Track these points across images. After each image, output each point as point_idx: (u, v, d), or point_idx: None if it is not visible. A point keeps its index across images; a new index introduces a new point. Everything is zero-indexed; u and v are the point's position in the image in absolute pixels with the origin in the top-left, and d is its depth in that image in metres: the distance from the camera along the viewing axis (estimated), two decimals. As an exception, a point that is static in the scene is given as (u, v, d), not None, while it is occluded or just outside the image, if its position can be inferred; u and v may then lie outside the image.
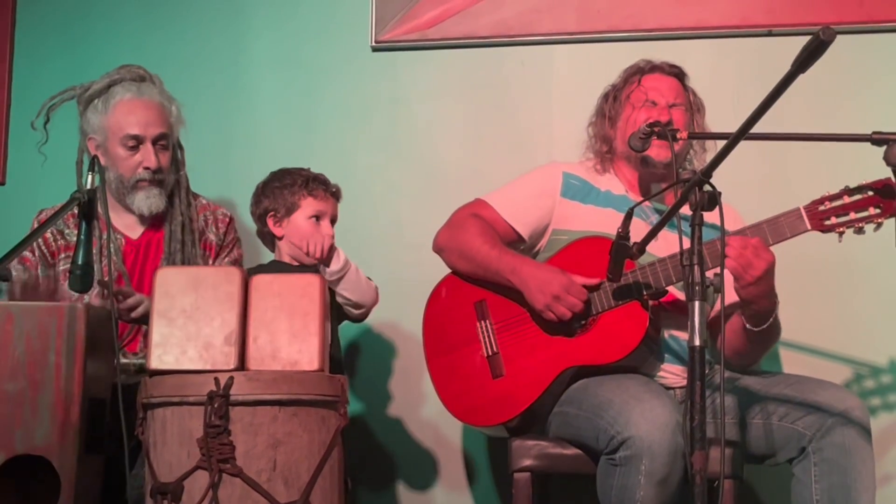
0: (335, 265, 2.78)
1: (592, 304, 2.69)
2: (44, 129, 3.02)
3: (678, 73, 2.92)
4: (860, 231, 2.48)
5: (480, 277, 2.84)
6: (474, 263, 2.84)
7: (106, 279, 2.67)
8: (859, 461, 2.47)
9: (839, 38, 1.70)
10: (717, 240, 2.35)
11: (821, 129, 3.05)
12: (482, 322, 2.83)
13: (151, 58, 3.38)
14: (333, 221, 2.94)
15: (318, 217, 2.90)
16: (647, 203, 2.82)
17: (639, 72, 2.93)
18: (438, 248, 2.95)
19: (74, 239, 2.87)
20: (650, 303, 2.64)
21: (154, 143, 2.96)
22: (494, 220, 2.91)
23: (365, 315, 2.94)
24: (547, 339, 2.74)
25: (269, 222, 2.94)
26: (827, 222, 2.49)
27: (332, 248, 2.80)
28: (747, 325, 2.59)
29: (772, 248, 2.50)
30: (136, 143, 2.95)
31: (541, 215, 2.91)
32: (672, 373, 2.75)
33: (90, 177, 2.30)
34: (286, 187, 2.92)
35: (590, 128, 3.03)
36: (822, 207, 2.50)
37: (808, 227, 2.51)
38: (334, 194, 2.96)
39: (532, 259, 2.84)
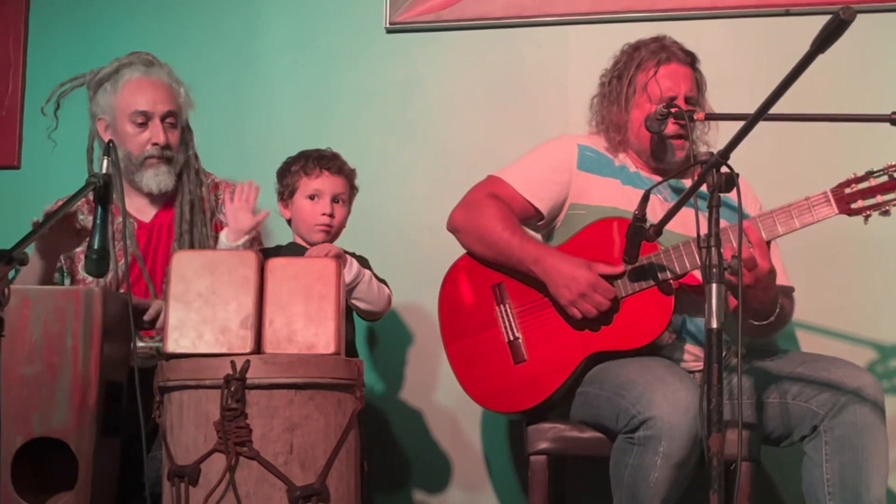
0: (347, 276, 2.72)
1: (615, 289, 2.68)
2: (54, 115, 3.04)
3: (690, 62, 2.86)
4: (886, 213, 2.45)
5: (500, 263, 2.81)
6: (494, 250, 2.80)
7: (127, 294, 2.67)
8: (871, 440, 2.45)
9: (858, 17, 1.68)
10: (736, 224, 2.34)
11: (839, 110, 3.03)
12: (501, 306, 2.81)
13: (165, 42, 3.39)
14: (336, 200, 2.90)
15: (314, 196, 2.89)
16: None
17: (653, 59, 2.84)
18: (454, 229, 2.90)
19: (87, 223, 2.88)
20: (673, 286, 2.63)
21: (162, 119, 2.97)
22: (512, 197, 2.86)
23: (376, 320, 2.93)
24: (569, 323, 2.73)
25: (280, 205, 2.95)
26: (854, 206, 2.46)
27: (341, 256, 2.73)
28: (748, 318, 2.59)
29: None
30: (145, 119, 2.96)
31: (558, 190, 2.87)
32: (691, 354, 2.75)
33: (105, 161, 2.30)
34: (288, 169, 2.94)
35: (597, 108, 2.98)
36: (848, 190, 2.46)
37: (836, 210, 2.48)
38: (337, 173, 2.91)
39: (553, 249, 2.79)
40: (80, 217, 3.00)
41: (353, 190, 2.97)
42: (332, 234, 2.89)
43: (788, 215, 2.50)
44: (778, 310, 2.59)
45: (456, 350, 2.85)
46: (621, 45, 2.97)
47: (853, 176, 2.48)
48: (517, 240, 2.75)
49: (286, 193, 2.93)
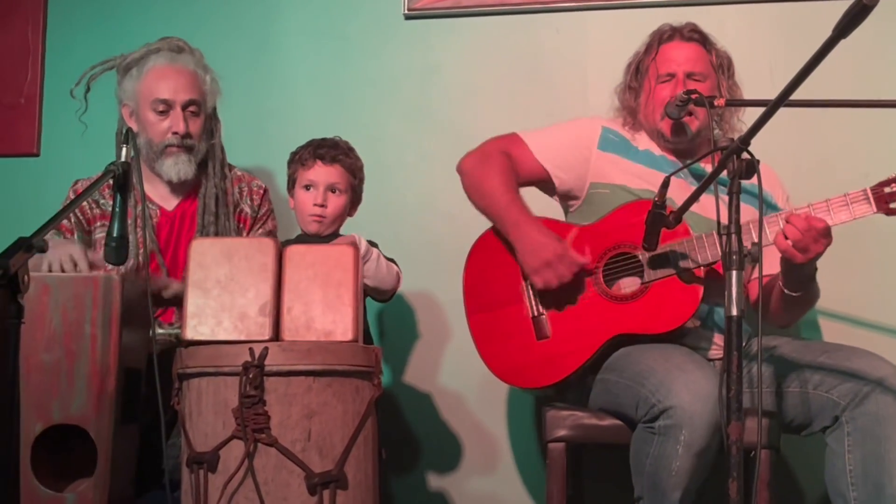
0: None
1: (645, 272, 2.67)
2: (84, 98, 3.05)
3: (699, 38, 2.86)
4: None
5: (487, 216, 2.86)
6: (484, 202, 2.86)
7: (141, 273, 2.69)
8: (894, 431, 2.43)
9: (882, 1, 1.66)
10: (776, 214, 2.40)
11: (862, 96, 3.00)
12: (527, 281, 2.80)
13: (184, 28, 3.38)
14: (333, 190, 2.88)
15: (309, 186, 2.87)
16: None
17: (658, 39, 2.89)
18: (460, 171, 2.96)
19: (109, 209, 2.89)
20: (700, 275, 2.62)
21: (184, 108, 2.97)
22: (524, 157, 2.91)
23: (387, 300, 2.92)
24: (595, 303, 2.72)
25: (289, 196, 2.96)
26: (893, 205, 2.46)
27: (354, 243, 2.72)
28: (785, 290, 2.58)
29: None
30: (166, 107, 2.96)
31: (574, 163, 2.89)
32: (717, 344, 2.74)
33: (125, 149, 2.31)
34: (292, 159, 2.94)
35: (616, 95, 3.00)
36: (887, 189, 2.46)
37: (874, 209, 2.47)
38: (331, 162, 2.88)
39: (535, 218, 2.80)
40: (101, 202, 3.01)
41: (354, 179, 2.93)
42: (325, 224, 2.87)
43: (826, 210, 2.48)
44: (815, 280, 2.59)
45: (478, 322, 2.85)
46: (640, 31, 2.96)
47: (893, 175, 2.46)
48: (506, 199, 2.80)
49: (290, 183, 2.94)
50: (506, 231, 2.79)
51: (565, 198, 2.96)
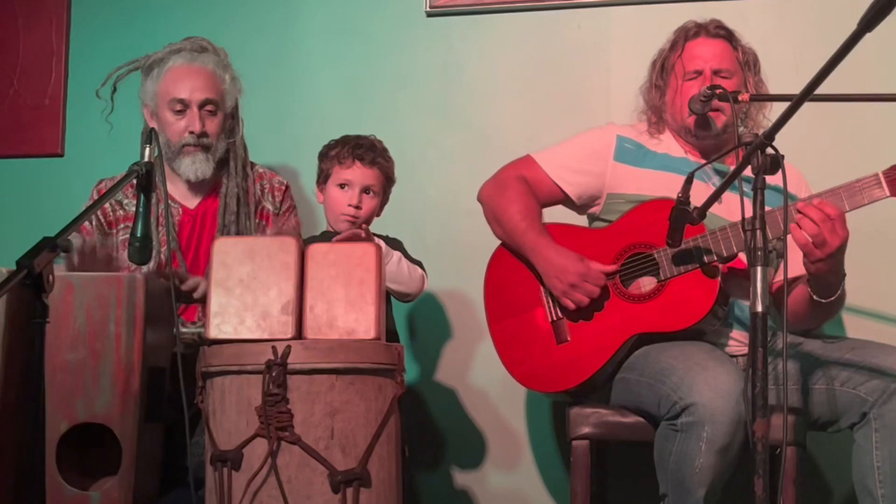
0: None
1: (661, 270, 2.66)
2: (110, 98, 3.06)
3: (725, 35, 2.84)
4: None
5: (509, 244, 2.87)
6: (503, 230, 2.87)
7: (167, 270, 2.69)
8: (922, 428, 2.41)
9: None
10: (790, 205, 2.32)
11: (888, 90, 2.97)
12: (545, 286, 2.80)
13: (207, 28, 3.39)
14: (367, 192, 2.89)
15: (345, 185, 2.88)
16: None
17: (683, 37, 2.86)
18: (480, 201, 2.96)
19: (132, 209, 2.91)
20: (720, 269, 2.60)
21: (200, 107, 2.98)
22: (540, 179, 2.90)
23: (410, 300, 2.92)
24: (613, 304, 2.71)
25: (317, 189, 2.95)
26: None
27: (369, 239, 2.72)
28: (814, 297, 2.55)
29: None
30: (183, 107, 2.97)
31: (589, 178, 2.88)
32: (736, 339, 2.72)
33: (148, 149, 2.32)
34: (326, 153, 2.94)
35: (641, 95, 2.98)
36: None
37: (887, 193, 2.44)
38: (370, 164, 2.89)
39: (550, 241, 2.79)
40: (125, 202, 3.03)
41: (387, 182, 2.95)
42: (357, 224, 2.86)
43: (838, 197, 2.46)
44: (840, 291, 2.56)
45: (500, 330, 2.86)
46: (663, 27, 2.95)
47: None
48: (524, 225, 2.80)
49: (321, 178, 2.93)
50: (528, 257, 2.80)
51: (584, 209, 2.96)
